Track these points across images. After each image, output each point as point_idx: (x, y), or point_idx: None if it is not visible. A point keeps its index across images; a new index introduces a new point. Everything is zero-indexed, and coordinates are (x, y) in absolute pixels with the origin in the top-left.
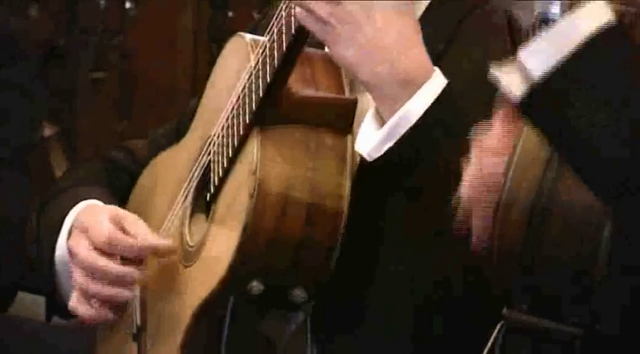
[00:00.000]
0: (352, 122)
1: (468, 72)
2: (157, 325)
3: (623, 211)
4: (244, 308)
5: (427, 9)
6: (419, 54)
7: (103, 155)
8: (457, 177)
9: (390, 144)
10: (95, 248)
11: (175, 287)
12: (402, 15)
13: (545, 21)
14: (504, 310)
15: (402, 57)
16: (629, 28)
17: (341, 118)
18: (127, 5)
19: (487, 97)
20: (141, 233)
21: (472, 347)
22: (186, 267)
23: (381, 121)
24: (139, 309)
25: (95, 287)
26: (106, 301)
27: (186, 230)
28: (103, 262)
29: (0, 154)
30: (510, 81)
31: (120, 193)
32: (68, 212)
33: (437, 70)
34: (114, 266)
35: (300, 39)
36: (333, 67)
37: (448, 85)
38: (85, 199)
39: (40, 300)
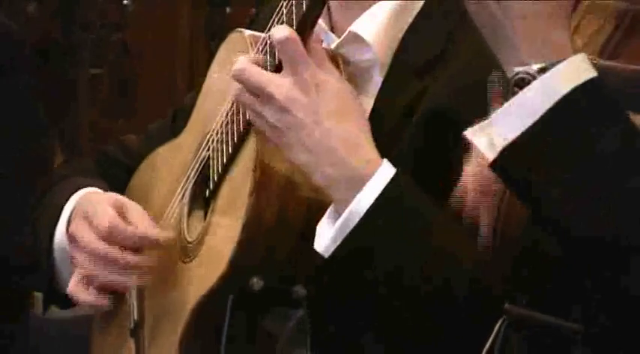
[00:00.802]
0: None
1: (467, 72)
2: (155, 321)
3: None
4: (244, 304)
5: (422, 10)
6: (366, 152)
7: (97, 150)
8: (412, 266)
9: (340, 241)
10: (98, 235)
11: (174, 283)
12: (348, 116)
13: (520, 81)
14: (506, 305)
15: (350, 157)
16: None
17: None
18: (125, 2)
19: (475, 108)
20: (142, 223)
21: (473, 342)
22: (184, 263)
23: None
24: (136, 305)
25: (99, 272)
26: (107, 288)
27: (185, 226)
28: (108, 249)
29: (3, 164)
30: (483, 143)
31: (115, 187)
32: (68, 199)
33: (385, 162)
34: (119, 253)
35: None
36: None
37: (396, 174)
38: (85, 186)
39: (38, 295)
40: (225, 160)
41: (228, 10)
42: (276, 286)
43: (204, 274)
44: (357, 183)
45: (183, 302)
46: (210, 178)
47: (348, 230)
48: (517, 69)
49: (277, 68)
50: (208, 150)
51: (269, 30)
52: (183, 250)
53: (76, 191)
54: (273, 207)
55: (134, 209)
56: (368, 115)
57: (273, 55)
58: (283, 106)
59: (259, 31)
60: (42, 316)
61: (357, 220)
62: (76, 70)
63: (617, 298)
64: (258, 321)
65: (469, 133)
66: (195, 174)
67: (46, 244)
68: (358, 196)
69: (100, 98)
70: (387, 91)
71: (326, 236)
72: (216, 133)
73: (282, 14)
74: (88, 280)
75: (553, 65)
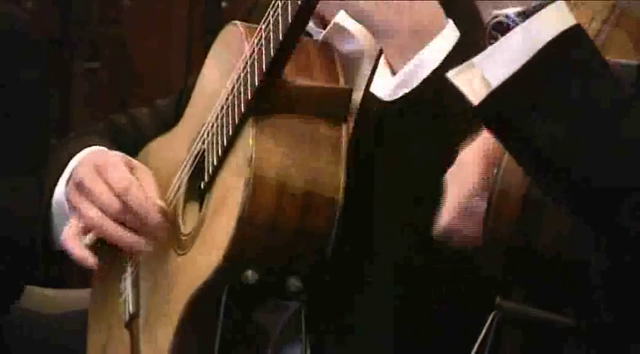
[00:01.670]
0: (347, 111)
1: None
2: (150, 313)
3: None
4: (239, 297)
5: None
6: (432, 5)
7: (108, 118)
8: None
9: (406, 90)
10: (113, 190)
11: (169, 275)
12: None
13: (499, 25)
14: (497, 300)
15: (416, 7)
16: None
17: (336, 108)
18: None
19: None
20: (151, 189)
21: (465, 336)
22: (179, 255)
23: (391, 68)
24: (131, 297)
25: (107, 225)
26: (112, 243)
27: (180, 219)
28: (121, 207)
29: (13, 155)
30: (468, 87)
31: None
32: (73, 156)
33: (450, 22)
34: (138, 214)
35: (297, 28)
36: (329, 56)
37: (461, 36)
38: (92, 146)
39: (33, 289)
40: (220, 153)
41: (224, 4)
42: (271, 279)
43: (198, 266)
44: (419, 35)
45: (178, 294)
46: (206, 170)
47: (413, 83)
48: (495, 12)
49: (273, 62)
50: (203, 143)
51: (265, 23)
52: (178, 243)
53: (83, 149)
54: (268, 200)
55: (145, 173)
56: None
57: (268, 48)
58: None
59: (256, 23)
60: (37, 312)
61: (423, 73)
62: (72, 64)
63: (618, 243)
64: (253, 313)
65: (451, 75)
66: (190, 167)
67: (47, 199)
68: (426, 49)
69: (96, 93)
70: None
71: (387, 84)
72: (211, 126)
73: (278, 7)
74: (86, 231)
75: (534, 9)
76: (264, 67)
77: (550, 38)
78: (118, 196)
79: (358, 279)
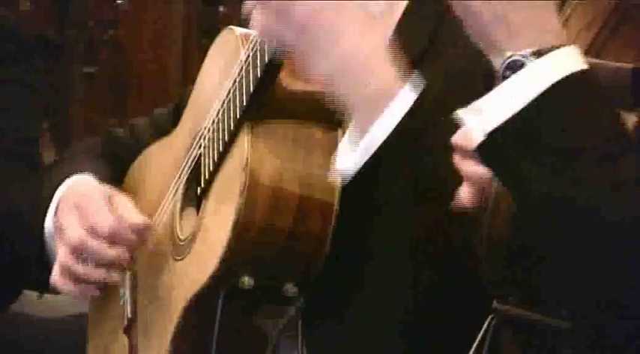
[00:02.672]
0: (342, 116)
1: (449, 71)
2: (148, 318)
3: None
4: (235, 302)
5: (406, 9)
6: (389, 72)
7: (106, 130)
8: (431, 186)
9: (361, 163)
10: (86, 228)
11: (166, 281)
12: (375, 30)
13: (513, 64)
14: (494, 303)
15: (373, 76)
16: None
17: (331, 112)
18: (119, 0)
19: (467, 96)
20: (131, 217)
21: (462, 340)
22: (177, 261)
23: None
24: (130, 302)
25: (82, 269)
26: (91, 282)
27: (177, 224)
28: (95, 245)
29: (8, 146)
30: (472, 124)
31: (118, 166)
32: (59, 186)
33: (407, 86)
34: (106, 250)
35: None
36: None
37: (418, 99)
38: (77, 172)
39: (33, 295)
40: (216, 158)
41: (221, 9)
42: (267, 284)
43: (195, 272)
44: (377, 104)
45: (176, 300)
46: (202, 175)
47: (369, 154)
48: (510, 52)
49: (267, 67)
50: (200, 148)
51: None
52: (176, 248)
53: (69, 176)
54: (264, 205)
55: (122, 201)
56: None
57: (263, 53)
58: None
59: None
60: (36, 317)
61: (377, 143)
62: (69, 68)
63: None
64: (250, 318)
65: (461, 113)
66: (187, 172)
67: (37, 231)
68: (381, 118)
69: (93, 96)
70: None
71: (349, 159)
72: (208, 131)
73: None
74: (71, 273)
75: (547, 50)
76: (258, 72)
77: (555, 80)
78: (108, 241)
79: (355, 283)
